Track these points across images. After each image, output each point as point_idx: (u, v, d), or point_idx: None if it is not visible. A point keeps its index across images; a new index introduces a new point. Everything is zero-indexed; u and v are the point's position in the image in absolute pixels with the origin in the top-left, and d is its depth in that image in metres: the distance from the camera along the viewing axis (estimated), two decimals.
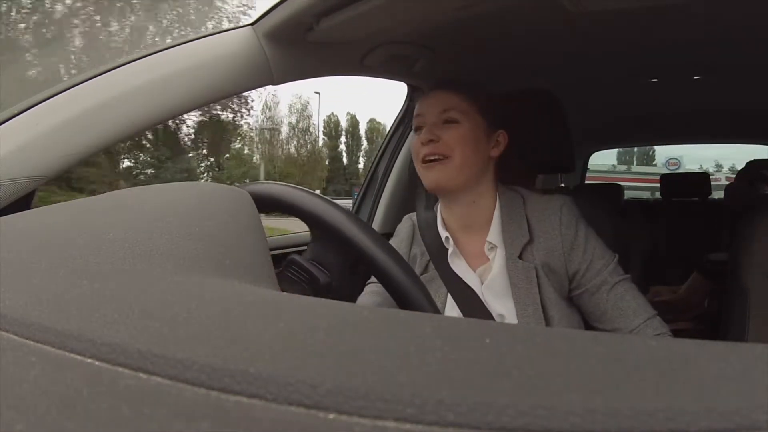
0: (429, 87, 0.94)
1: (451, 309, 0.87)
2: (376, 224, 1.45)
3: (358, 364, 0.16)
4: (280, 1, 0.78)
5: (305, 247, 0.56)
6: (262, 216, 0.41)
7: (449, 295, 0.87)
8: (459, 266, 0.88)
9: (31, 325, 0.21)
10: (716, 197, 2.68)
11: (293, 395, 0.15)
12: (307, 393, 0.15)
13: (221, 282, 0.26)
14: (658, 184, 2.62)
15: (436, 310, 0.51)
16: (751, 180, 1.78)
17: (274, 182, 0.51)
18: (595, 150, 3.18)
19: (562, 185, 2.58)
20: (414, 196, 1.02)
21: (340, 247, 0.51)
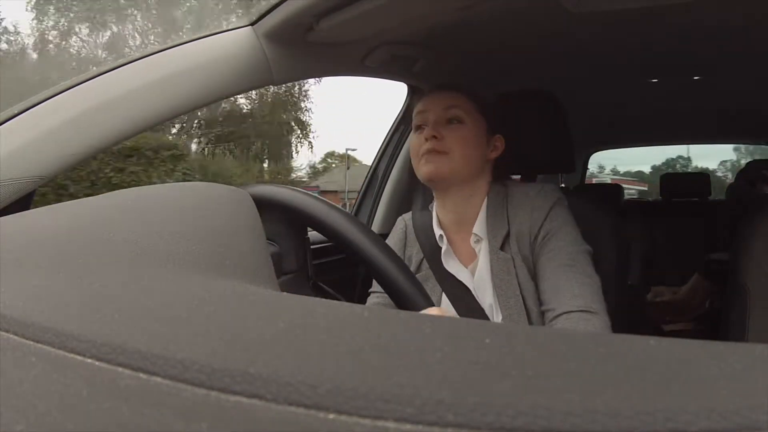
0: (431, 87, 0.94)
1: (447, 307, 0.87)
2: (376, 224, 1.45)
3: (358, 364, 0.16)
4: (280, 1, 0.78)
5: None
6: None
7: (444, 295, 0.88)
8: (452, 264, 0.89)
9: (31, 325, 0.21)
10: (716, 197, 2.68)
11: (293, 395, 0.15)
12: (306, 393, 0.15)
13: (221, 282, 0.26)
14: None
15: (431, 304, 0.51)
16: (752, 180, 1.78)
17: (274, 184, 0.51)
18: (595, 150, 3.18)
19: (563, 185, 2.58)
20: (414, 196, 1.02)
21: (279, 216, 0.52)
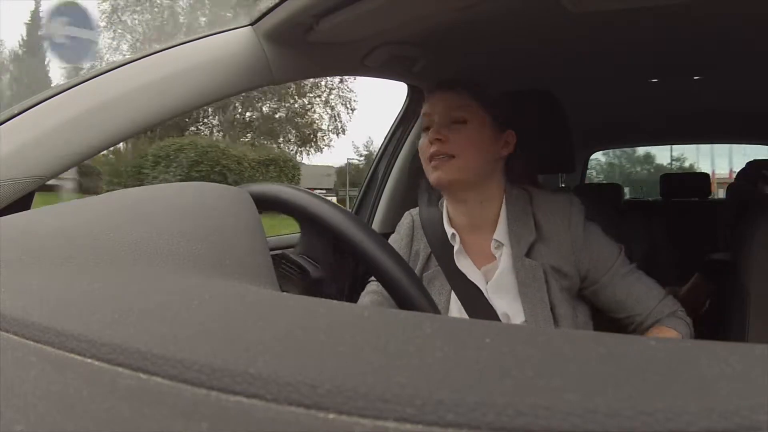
0: (434, 86, 0.93)
1: (455, 307, 0.86)
2: (376, 224, 1.45)
3: (358, 364, 0.16)
4: (280, 1, 0.78)
5: None
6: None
7: (453, 293, 0.86)
8: (464, 264, 0.87)
9: (31, 325, 0.21)
10: (717, 197, 2.68)
11: (293, 395, 0.15)
12: (307, 393, 0.15)
13: (221, 282, 0.26)
14: None
15: (436, 310, 0.50)
16: (752, 180, 1.78)
17: (274, 182, 0.51)
18: (595, 150, 3.18)
19: (562, 185, 2.58)
20: (415, 196, 1.01)
21: (329, 239, 0.51)
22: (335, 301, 0.23)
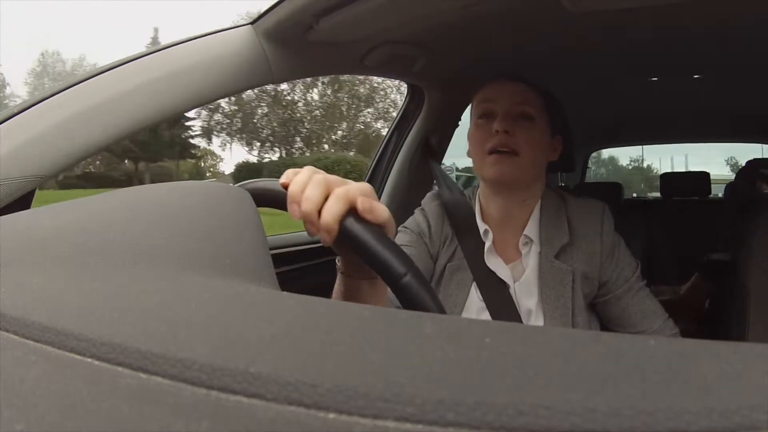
0: (497, 73, 0.89)
1: (474, 300, 0.84)
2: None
3: (358, 364, 0.16)
4: (279, 0, 0.77)
5: (306, 246, 0.56)
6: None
7: (474, 285, 0.85)
8: (492, 260, 0.85)
9: (31, 325, 0.21)
10: (717, 196, 2.67)
11: (293, 395, 0.15)
12: (307, 392, 0.15)
13: (221, 281, 0.26)
14: None
15: (441, 308, 0.50)
16: (751, 179, 1.78)
17: (273, 180, 0.51)
18: (595, 149, 3.18)
19: (562, 184, 2.58)
20: (415, 194, 1.01)
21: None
22: (335, 301, 0.23)
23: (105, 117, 0.68)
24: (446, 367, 0.16)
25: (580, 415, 0.13)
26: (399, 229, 0.92)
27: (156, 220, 0.31)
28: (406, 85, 1.39)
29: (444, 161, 1.58)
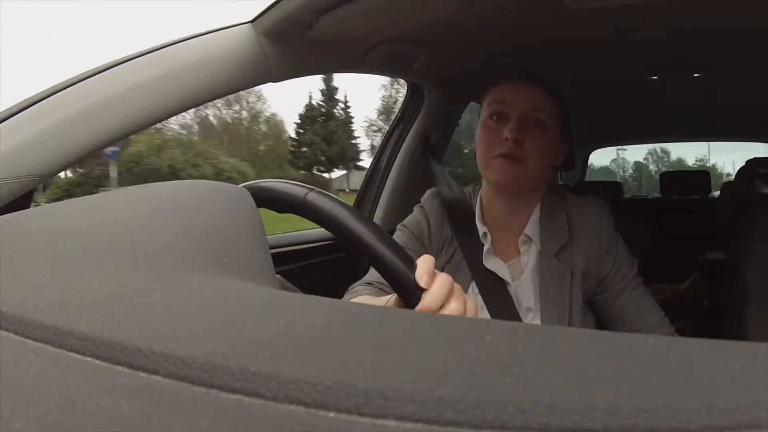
0: (515, 71, 0.86)
1: (473, 298, 0.83)
2: (376, 221, 1.45)
3: (357, 362, 0.16)
4: None
5: (305, 246, 0.56)
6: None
7: (473, 285, 0.84)
8: (491, 260, 0.85)
9: (31, 323, 0.21)
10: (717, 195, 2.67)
11: (293, 393, 0.15)
12: (307, 391, 0.15)
13: (221, 280, 0.26)
14: None
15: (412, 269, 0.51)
16: (749, 179, 1.77)
17: (273, 179, 0.51)
18: (595, 148, 3.18)
19: (561, 183, 2.58)
20: (415, 193, 1.01)
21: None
22: (335, 299, 0.23)
23: (105, 116, 0.68)
24: (446, 365, 0.16)
25: (581, 413, 0.13)
26: (398, 227, 0.92)
27: (155, 219, 0.31)
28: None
29: None
